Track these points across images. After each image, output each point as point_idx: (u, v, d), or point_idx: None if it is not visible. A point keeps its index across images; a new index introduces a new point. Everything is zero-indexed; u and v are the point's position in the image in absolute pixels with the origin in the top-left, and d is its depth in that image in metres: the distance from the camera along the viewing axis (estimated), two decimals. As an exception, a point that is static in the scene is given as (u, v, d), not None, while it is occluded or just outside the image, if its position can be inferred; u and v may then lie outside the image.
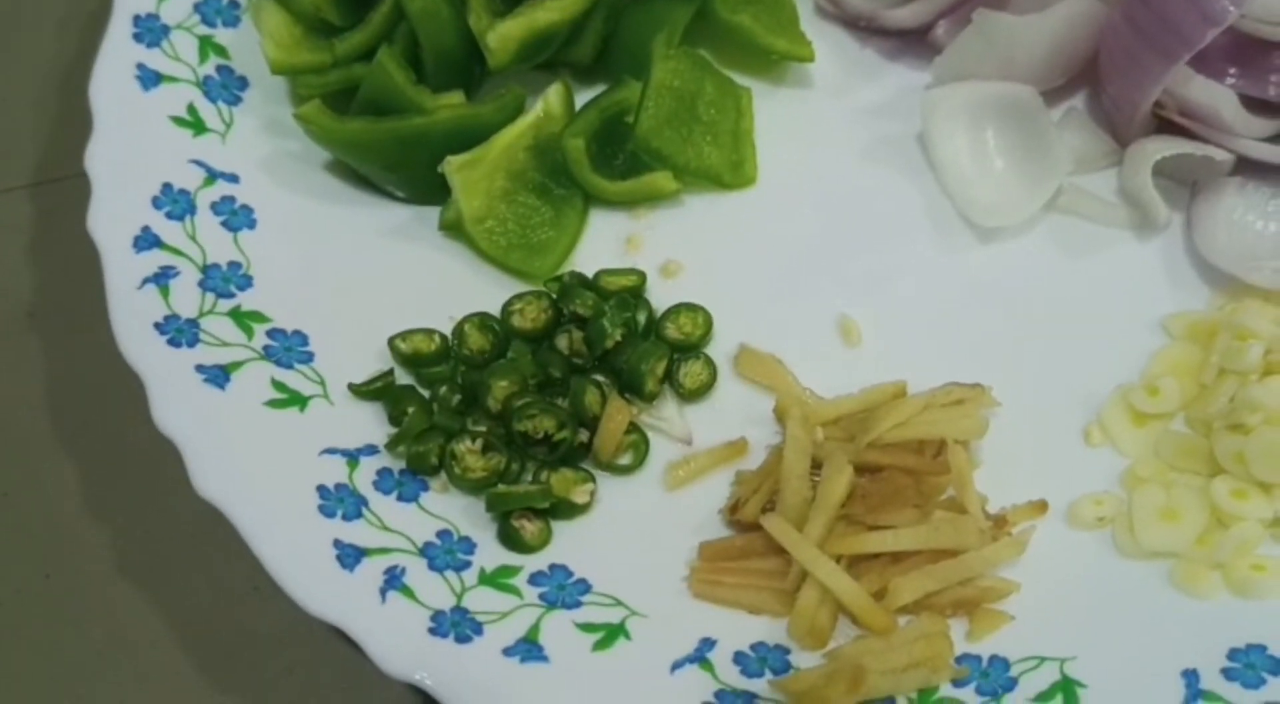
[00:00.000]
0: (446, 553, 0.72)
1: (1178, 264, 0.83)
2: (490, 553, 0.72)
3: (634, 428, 0.78)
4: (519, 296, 0.83)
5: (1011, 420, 0.78)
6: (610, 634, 0.69)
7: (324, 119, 0.84)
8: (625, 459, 0.78)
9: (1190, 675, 0.66)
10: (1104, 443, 0.77)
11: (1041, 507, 0.74)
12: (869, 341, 0.82)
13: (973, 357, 0.80)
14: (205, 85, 0.89)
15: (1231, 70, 0.82)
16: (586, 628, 0.69)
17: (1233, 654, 0.66)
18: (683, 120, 0.86)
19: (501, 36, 0.85)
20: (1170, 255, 0.83)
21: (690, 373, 0.80)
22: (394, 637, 0.67)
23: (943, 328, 0.82)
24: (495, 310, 0.82)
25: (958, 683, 0.67)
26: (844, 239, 0.85)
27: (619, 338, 0.79)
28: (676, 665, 0.68)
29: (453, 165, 0.83)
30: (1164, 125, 0.83)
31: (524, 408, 0.76)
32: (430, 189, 0.85)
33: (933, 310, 0.82)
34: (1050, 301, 0.82)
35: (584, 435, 0.78)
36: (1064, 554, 0.73)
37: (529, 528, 0.74)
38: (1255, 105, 0.82)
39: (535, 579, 0.72)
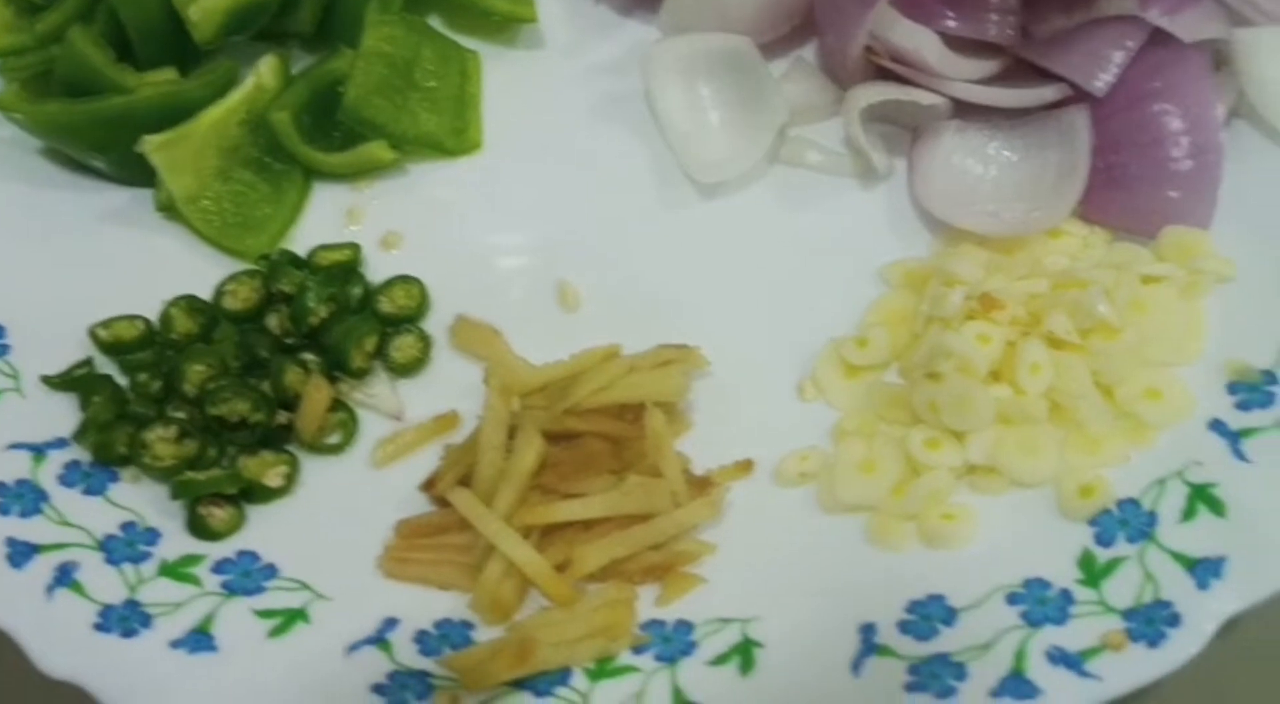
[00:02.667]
0: (127, 545, 0.70)
1: (903, 212, 0.82)
2: (176, 543, 0.71)
3: (342, 406, 0.77)
4: (232, 277, 0.81)
5: (730, 378, 0.77)
6: (288, 619, 0.67)
7: (21, 104, 0.82)
8: (333, 438, 0.76)
9: (868, 629, 0.65)
10: (817, 397, 0.76)
11: (747, 466, 0.73)
12: (588, 306, 0.80)
13: (694, 315, 0.79)
14: (-91, 74, 0.86)
15: (949, 12, 0.80)
16: (265, 614, 0.68)
17: (912, 606, 0.65)
18: (397, 88, 0.84)
19: (204, 9, 0.82)
20: (895, 203, 0.82)
21: (402, 346, 0.78)
22: (56, 635, 0.65)
23: (665, 287, 0.80)
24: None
25: (637, 650, 0.66)
26: (568, 202, 0.83)
27: (324, 315, 0.77)
28: (353, 648, 0.66)
29: (151, 144, 0.80)
30: (882, 71, 0.81)
31: (217, 391, 0.74)
32: (144, 170, 0.82)
33: (655, 270, 0.81)
34: (774, 255, 0.81)
35: (291, 416, 0.75)
36: (769, 513, 0.72)
37: (217, 515, 0.72)
38: (976, 46, 0.81)
39: (220, 567, 0.70)
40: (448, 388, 0.78)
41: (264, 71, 0.84)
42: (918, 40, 0.78)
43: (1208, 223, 0.76)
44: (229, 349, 0.77)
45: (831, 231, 0.81)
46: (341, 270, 0.80)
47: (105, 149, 0.83)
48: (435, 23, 0.89)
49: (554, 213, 0.83)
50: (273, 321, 0.79)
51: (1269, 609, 0.63)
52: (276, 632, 0.67)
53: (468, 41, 0.89)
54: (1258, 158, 0.78)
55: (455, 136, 0.85)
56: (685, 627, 0.67)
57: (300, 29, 0.87)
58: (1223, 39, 0.79)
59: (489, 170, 0.85)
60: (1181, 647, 0.61)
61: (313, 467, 0.75)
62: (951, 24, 0.80)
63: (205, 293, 0.80)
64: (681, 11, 0.83)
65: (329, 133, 0.85)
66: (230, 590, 0.69)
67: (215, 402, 0.74)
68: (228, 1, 0.82)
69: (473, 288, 0.81)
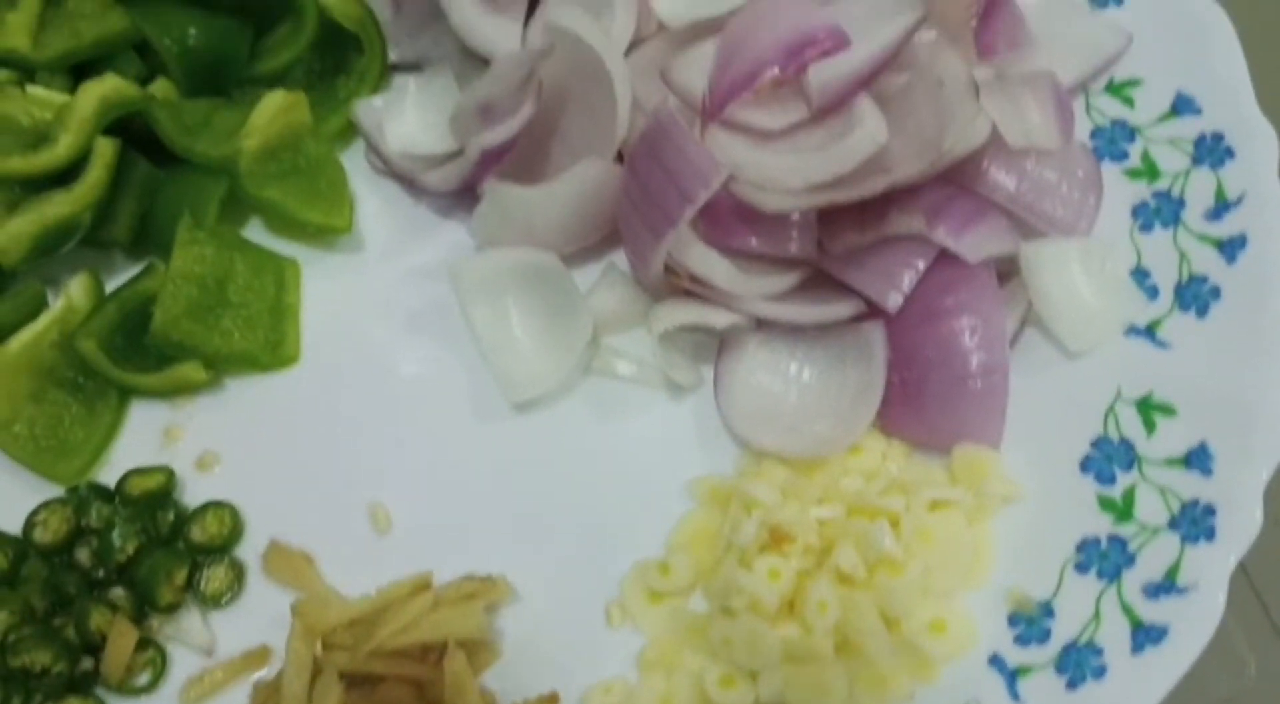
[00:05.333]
0: (-80, 812, 0.69)
1: (712, 422, 0.83)
2: (-28, 805, 0.70)
3: (150, 644, 0.77)
4: (45, 505, 0.81)
5: (541, 603, 0.78)
6: None
7: None
8: (142, 679, 0.76)
9: None
10: (624, 622, 0.77)
11: (552, 700, 0.74)
12: (400, 528, 0.81)
13: (506, 536, 0.80)
14: None
15: (750, 231, 0.81)
16: None
17: None
18: (208, 307, 0.84)
19: (11, 235, 0.82)
20: (705, 414, 0.83)
21: (212, 578, 0.78)
22: None
23: (477, 508, 0.81)
24: (37, 518, 0.80)
25: None
26: (382, 417, 0.84)
27: (132, 551, 0.78)
28: None
29: (-43, 374, 0.80)
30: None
31: (18, 642, 0.74)
32: (-46, 398, 0.82)
33: (467, 489, 0.82)
34: (585, 471, 0.82)
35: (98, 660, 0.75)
36: (575, 749, 0.73)
37: (14, 772, 0.72)
38: (777, 260, 0.82)
39: (12, 830, 0.69)
40: (260, 617, 0.78)
41: (74, 292, 0.85)
42: (708, 264, 0.79)
43: (998, 441, 0.78)
44: (36, 588, 0.77)
45: (642, 445, 0.83)
46: (152, 499, 0.80)
47: (-90, 379, 0.82)
48: (255, 227, 0.90)
49: (368, 429, 0.84)
50: (83, 554, 0.79)
51: None
52: None
53: (286, 245, 0.89)
54: (1045, 373, 0.80)
55: (271, 351, 0.85)
56: None
57: (118, 238, 0.87)
58: (1011, 253, 0.81)
59: (306, 384, 0.86)
60: None
61: (122, 709, 0.75)
62: (754, 243, 0.81)
63: (19, 518, 0.80)
64: (490, 226, 0.84)
65: (145, 351, 0.85)
66: None
67: (16, 652, 0.74)
68: (34, 226, 0.82)
69: (287, 508, 0.81)
